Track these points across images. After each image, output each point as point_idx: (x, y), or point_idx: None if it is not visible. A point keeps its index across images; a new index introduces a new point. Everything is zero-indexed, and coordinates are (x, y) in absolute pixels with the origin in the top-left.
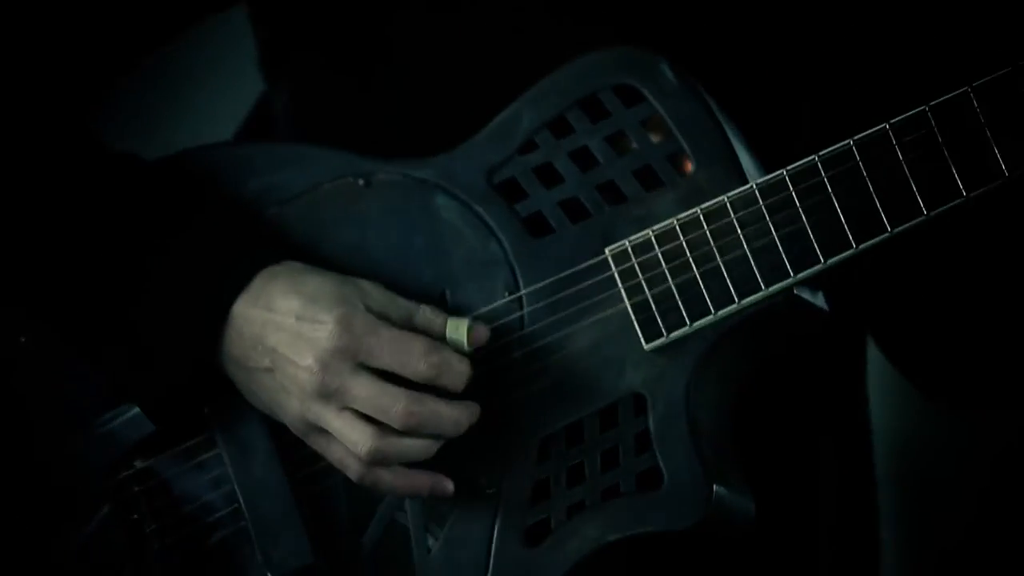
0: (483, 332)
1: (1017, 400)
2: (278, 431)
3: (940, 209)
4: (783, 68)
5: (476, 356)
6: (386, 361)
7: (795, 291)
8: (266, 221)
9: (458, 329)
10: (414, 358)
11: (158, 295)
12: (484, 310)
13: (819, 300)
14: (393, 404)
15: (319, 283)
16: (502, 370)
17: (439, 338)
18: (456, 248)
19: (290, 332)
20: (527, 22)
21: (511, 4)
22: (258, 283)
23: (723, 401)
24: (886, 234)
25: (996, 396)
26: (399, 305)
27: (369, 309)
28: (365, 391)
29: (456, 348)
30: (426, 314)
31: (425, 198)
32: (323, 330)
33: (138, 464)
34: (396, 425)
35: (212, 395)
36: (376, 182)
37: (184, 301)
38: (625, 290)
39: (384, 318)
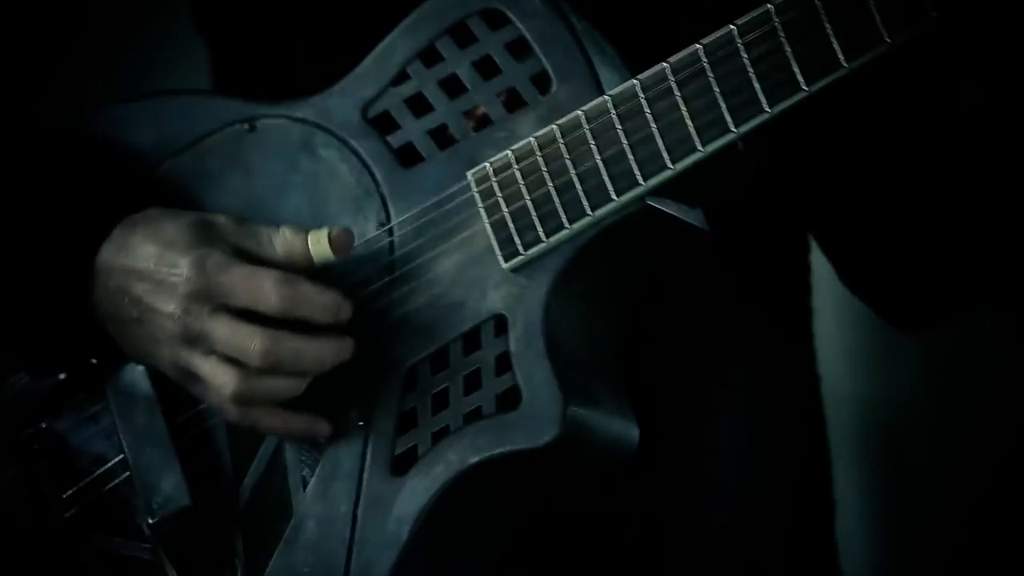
0: (345, 236)
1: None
2: (159, 376)
3: (783, 105)
4: None
5: (344, 284)
6: (241, 299)
7: (647, 201)
8: (160, 174)
9: (319, 241)
10: (265, 292)
11: (21, 253)
12: (356, 244)
13: (692, 216)
14: (249, 344)
15: (176, 227)
16: (370, 301)
17: (303, 258)
18: (333, 185)
19: (151, 280)
20: None
21: None
22: (118, 233)
23: (596, 319)
24: (732, 135)
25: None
26: (257, 232)
27: (226, 244)
28: (223, 333)
29: (325, 261)
30: (286, 235)
31: (305, 138)
32: (179, 274)
33: (44, 424)
34: (255, 365)
35: (98, 347)
36: (260, 127)
37: (46, 256)
38: (484, 210)
39: (243, 251)
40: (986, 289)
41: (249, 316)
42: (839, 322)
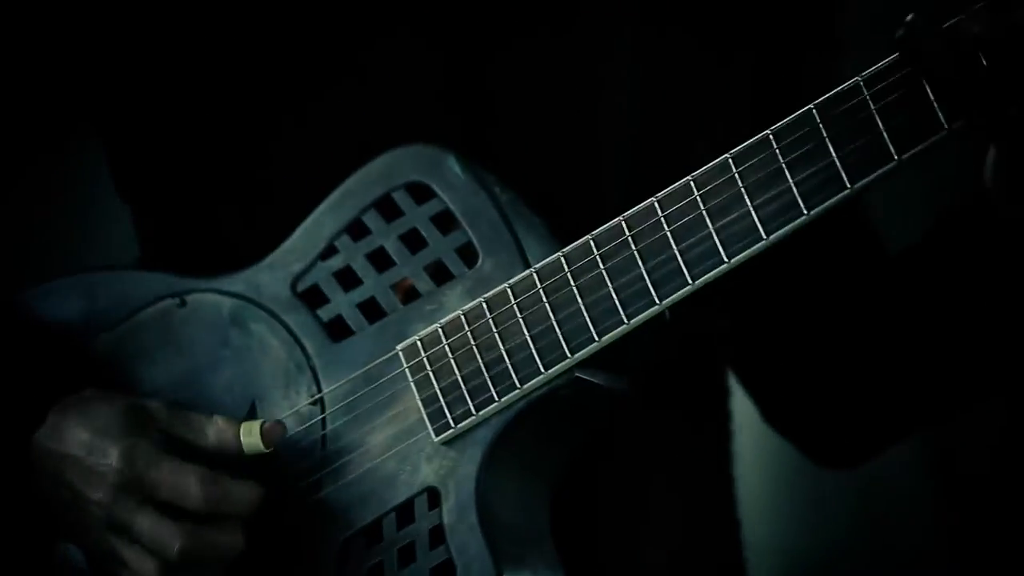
0: (276, 429)
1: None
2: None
3: (705, 278)
4: (584, 149)
5: (277, 462)
6: (166, 495)
7: (576, 373)
8: (93, 350)
9: (251, 432)
10: (191, 491)
11: None
12: (286, 415)
13: (618, 383)
14: (170, 542)
15: (108, 412)
16: (303, 475)
17: (234, 448)
18: (264, 359)
19: (82, 467)
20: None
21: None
22: (52, 418)
23: (529, 485)
24: (655, 307)
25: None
26: (189, 419)
27: (158, 433)
28: (146, 527)
29: (256, 452)
30: (218, 425)
31: (235, 312)
32: (108, 465)
33: None
34: (174, 561)
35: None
36: (191, 301)
37: None
38: (415, 384)
39: (176, 439)
40: (915, 421)
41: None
42: (761, 467)
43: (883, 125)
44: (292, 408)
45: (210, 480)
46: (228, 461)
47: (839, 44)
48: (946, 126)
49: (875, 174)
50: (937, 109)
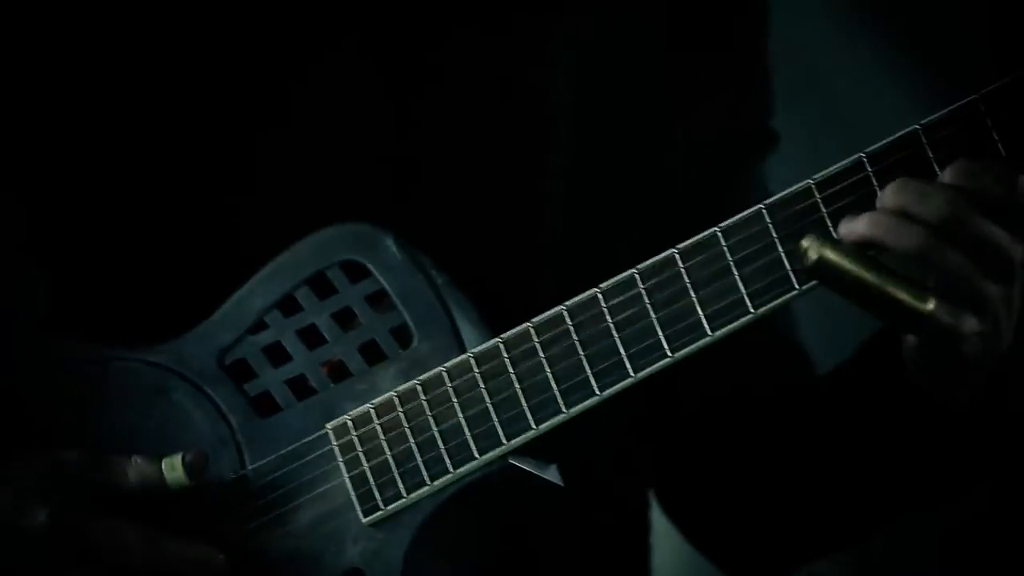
0: (199, 460)
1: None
2: None
3: (647, 371)
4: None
5: (199, 537)
6: (107, 558)
7: (510, 460)
8: (7, 415)
9: (174, 467)
10: (130, 551)
11: None
12: (212, 494)
13: (548, 473)
14: None
15: (26, 470)
16: (228, 551)
17: (158, 484)
18: (186, 432)
19: (7, 531)
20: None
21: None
22: None
23: (456, 570)
24: (596, 398)
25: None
26: (109, 463)
27: (80, 486)
28: None
29: (181, 486)
30: (138, 463)
31: (159, 382)
32: (38, 528)
33: None
34: None
35: None
36: (113, 369)
37: None
38: (344, 463)
39: (98, 486)
40: (831, 543)
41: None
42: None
43: (832, 225)
44: (215, 483)
45: (148, 540)
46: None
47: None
48: None
49: None
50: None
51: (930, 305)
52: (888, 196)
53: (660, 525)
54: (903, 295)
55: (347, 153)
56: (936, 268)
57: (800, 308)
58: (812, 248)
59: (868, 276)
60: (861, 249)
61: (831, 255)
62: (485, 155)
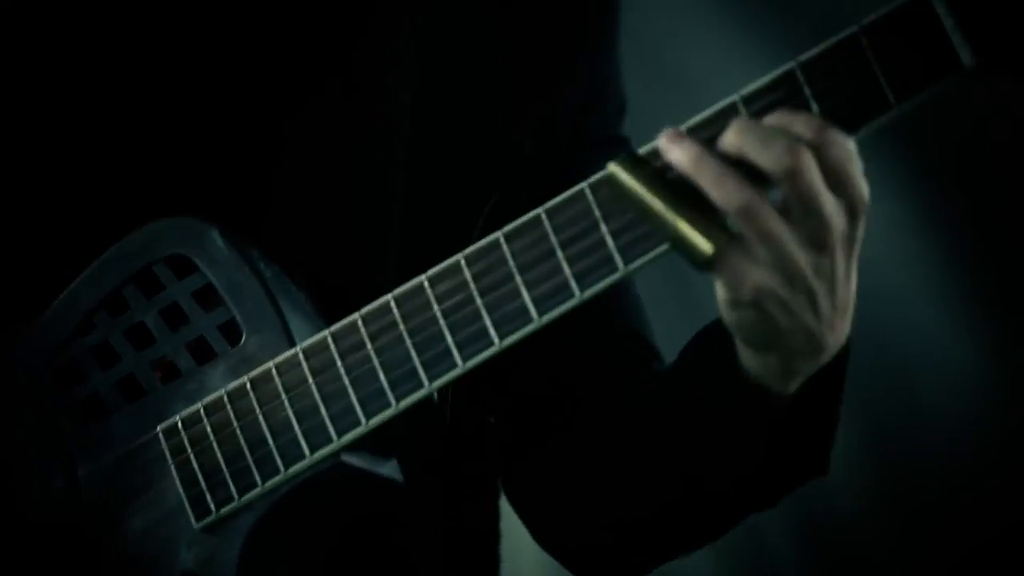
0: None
1: None
2: None
3: (476, 360)
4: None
5: (29, 543)
6: None
7: (343, 457)
8: None
9: None
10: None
11: None
12: (39, 499)
13: (386, 468)
14: None
15: None
16: (62, 558)
17: None
18: (15, 436)
19: None
20: None
21: None
22: None
23: (295, 573)
24: (424, 390)
25: None
26: None
27: None
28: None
29: None
30: None
31: None
32: None
33: None
34: None
35: None
36: None
37: None
38: (174, 466)
39: None
40: (670, 547)
41: None
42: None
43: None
44: (45, 489)
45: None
46: None
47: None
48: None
49: (650, 255)
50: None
51: (711, 247)
52: (729, 137)
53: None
54: (688, 231)
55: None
56: (744, 225)
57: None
58: (612, 163)
59: (655, 203)
60: (665, 179)
61: (620, 172)
62: (328, 148)
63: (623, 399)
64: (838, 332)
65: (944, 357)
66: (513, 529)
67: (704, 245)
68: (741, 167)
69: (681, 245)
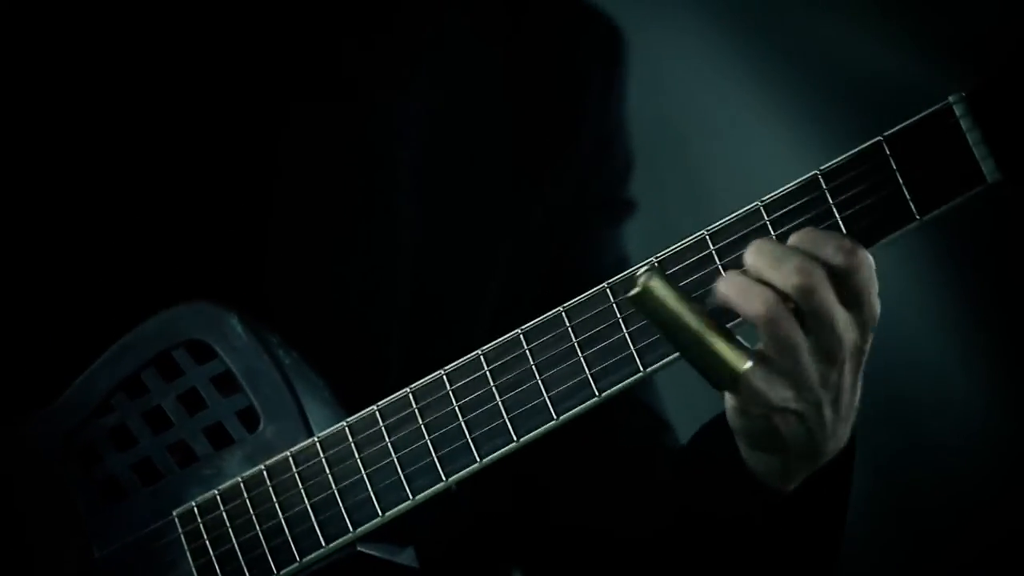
0: None
1: None
2: None
3: (493, 456)
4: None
5: None
6: None
7: (359, 547)
8: None
9: None
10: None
11: None
12: None
13: (403, 557)
14: None
15: None
16: None
17: None
18: (33, 516)
19: None
20: None
21: None
22: None
23: None
24: (441, 484)
25: None
26: None
27: None
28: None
29: None
30: None
31: (4, 465)
32: None
33: None
34: None
35: None
36: None
37: None
38: (191, 552)
39: None
40: None
41: None
42: None
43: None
44: (59, 571)
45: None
46: None
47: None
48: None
49: (671, 357)
50: None
51: (744, 366)
52: (745, 258)
53: None
54: (721, 347)
55: (197, 229)
56: (767, 334)
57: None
58: (643, 276)
59: (689, 318)
60: (690, 296)
61: (656, 286)
62: (334, 231)
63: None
64: (838, 438)
65: (941, 364)
66: None
67: (737, 362)
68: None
69: (708, 362)
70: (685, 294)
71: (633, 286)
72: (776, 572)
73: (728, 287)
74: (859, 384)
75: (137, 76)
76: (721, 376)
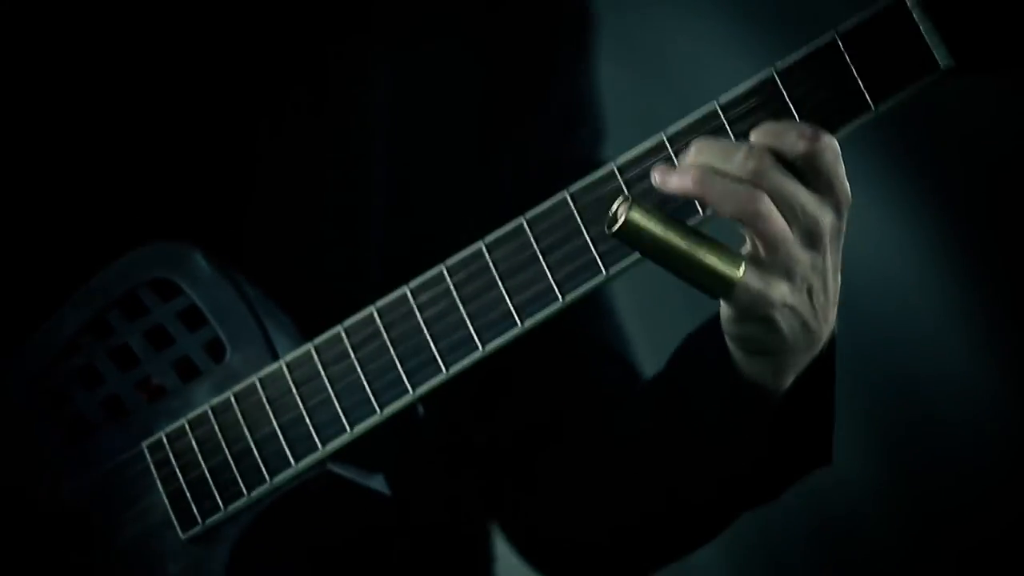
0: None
1: None
2: None
3: (459, 365)
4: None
5: (21, 560)
6: None
7: (329, 466)
8: None
9: None
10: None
11: None
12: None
13: (373, 481)
14: None
15: None
16: (49, 573)
17: None
18: (6, 456)
19: None
20: None
21: None
22: None
23: None
24: (408, 396)
25: None
26: None
27: None
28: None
29: None
30: None
31: None
32: None
33: None
34: None
35: None
36: None
37: None
38: (160, 480)
39: None
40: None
41: None
42: None
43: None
44: (30, 506)
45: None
46: None
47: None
48: (700, 212)
49: (630, 260)
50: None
51: (740, 271)
52: (691, 156)
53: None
54: (713, 260)
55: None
56: (754, 231)
57: (621, 305)
58: (621, 209)
59: (678, 240)
60: (669, 215)
61: (639, 217)
62: (303, 169)
63: (608, 419)
64: (831, 323)
65: (951, 352)
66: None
67: (732, 270)
68: None
69: (702, 276)
70: (665, 215)
71: (614, 221)
72: (770, 470)
73: (709, 189)
74: (839, 266)
75: (130, 29)
76: (717, 287)
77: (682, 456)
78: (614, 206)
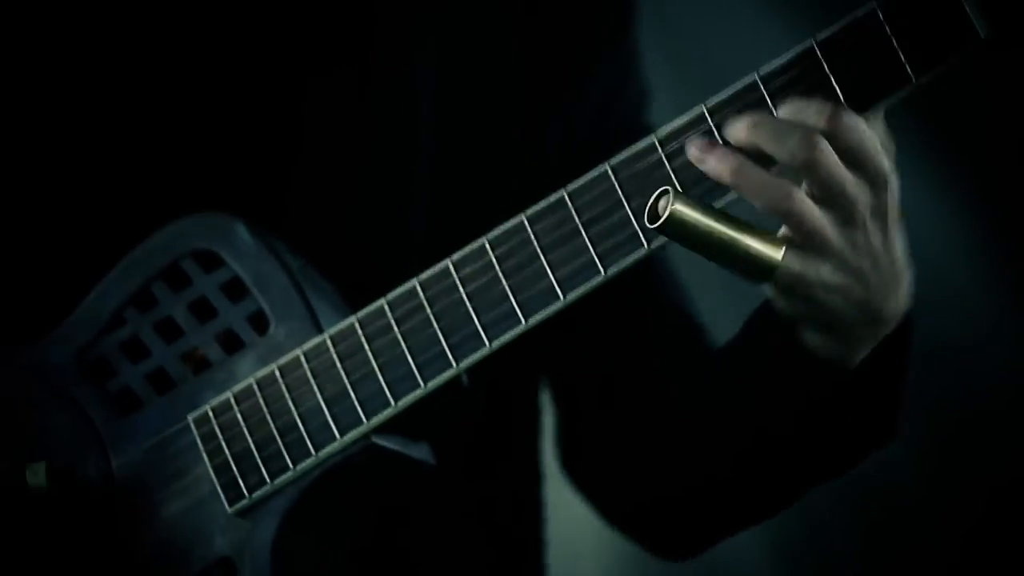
0: (63, 469)
1: None
2: None
3: (502, 339)
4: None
5: (65, 536)
6: None
7: (374, 439)
8: None
9: (37, 474)
10: None
11: None
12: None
13: (418, 451)
14: None
15: None
16: (93, 553)
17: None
18: (51, 434)
19: None
20: None
21: None
22: None
23: (327, 557)
24: (452, 370)
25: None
26: None
27: None
28: None
29: (41, 490)
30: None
31: (20, 384)
32: None
33: None
34: None
35: None
36: None
37: None
38: (206, 453)
39: None
40: (750, 516)
41: None
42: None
43: (678, 180)
44: (81, 483)
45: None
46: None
47: (644, 94)
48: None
49: None
50: None
51: (779, 255)
52: (741, 132)
53: (556, 503)
54: (755, 245)
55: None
56: (789, 224)
57: (690, 278)
58: (663, 202)
59: (719, 228)
60: (709, 206)
61: (683, 208)
62: (348, 142)
63: (666, 384)
64: (896, 301)
65: (1003, 347)
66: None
67: (772, 254)
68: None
69: (744, 262)
70: (706, 206)
71: (655, 216)
72: (839, 443)
73: (741, 180)
74: (895, 243)
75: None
76: (758, 271)
77: (749, 425)
78: (653, 199)
